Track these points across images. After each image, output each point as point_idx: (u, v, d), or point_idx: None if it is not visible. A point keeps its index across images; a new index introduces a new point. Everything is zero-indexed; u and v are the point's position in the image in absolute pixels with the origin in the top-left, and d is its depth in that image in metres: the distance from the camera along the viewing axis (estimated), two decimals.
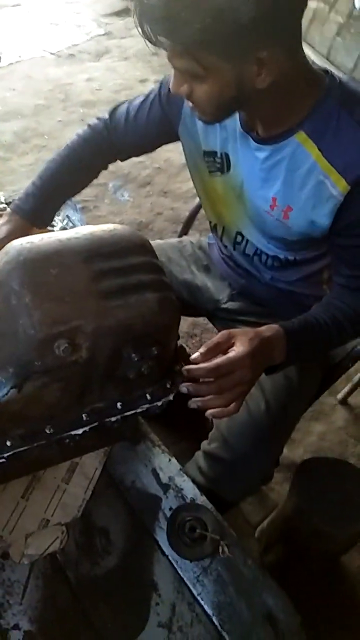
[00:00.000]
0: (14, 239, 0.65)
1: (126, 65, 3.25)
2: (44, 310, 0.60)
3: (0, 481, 0.85)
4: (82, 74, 3.15)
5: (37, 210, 1.09)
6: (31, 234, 0.67)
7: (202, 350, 0.76)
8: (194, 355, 0.76)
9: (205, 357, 0.76)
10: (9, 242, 0.65)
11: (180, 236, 1.40)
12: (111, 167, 2.67)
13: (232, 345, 0.78)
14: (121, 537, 0.85)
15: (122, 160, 1.19)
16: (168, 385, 0.74)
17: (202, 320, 1.87)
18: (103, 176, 2.66)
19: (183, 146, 1.06)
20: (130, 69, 3.22)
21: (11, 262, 0.62)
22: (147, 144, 1.14)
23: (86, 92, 3.02)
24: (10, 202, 1.32)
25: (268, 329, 0.84)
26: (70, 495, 0.87)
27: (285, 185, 0.89)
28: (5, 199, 1.32)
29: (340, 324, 0.92)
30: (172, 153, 2.67)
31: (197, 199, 1.42)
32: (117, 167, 2.64)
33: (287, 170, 0.88)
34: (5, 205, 1.33)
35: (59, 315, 0.60)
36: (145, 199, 2.43)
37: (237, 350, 0.76)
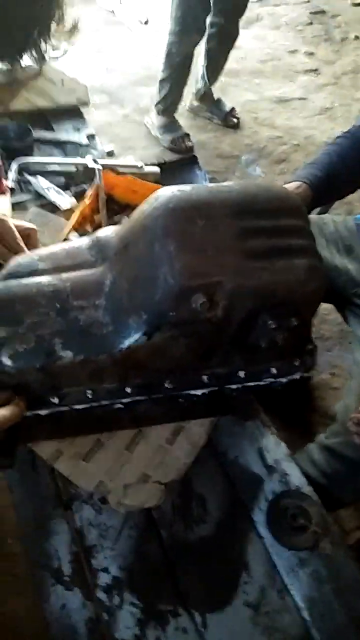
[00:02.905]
0: None
1: (276, 35, 3.13)
2: (186, 260, 0.57)
3: (107, 429, 0.86)
4: None
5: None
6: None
7: None
8: None
9: None
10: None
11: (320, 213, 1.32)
12: (247, 139, 2.59)
13: None
14: (218, 509, 0.83)
15: None
16: (296, 364, 0.70)
17: (323, 310, 1.77)
18: (237, 148, 2.59)
19: None
20: (280, 39, 3.09)
21: (160, 208, 0.60)
22: None
23: (230, 59, 2.96)
24: (143, 165, 1.32)
25: None
26: (173, 457, 0.87)
27: None
28: (139, 164, 1.32)
29: None
30: (315, 131, 2.54)
31: None
32: (253, 140, 2.58)
33: None
34: (142, 165, 1.34)
35: (201, 268, 0.58)
36: (278, 177, 2.34)
37: None
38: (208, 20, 2.24)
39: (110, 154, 2.38)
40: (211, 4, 2.16)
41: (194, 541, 0.80)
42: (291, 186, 0.95)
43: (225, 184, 0.64)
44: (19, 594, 1.22)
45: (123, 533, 0.80)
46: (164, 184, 1.70)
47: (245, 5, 2.28)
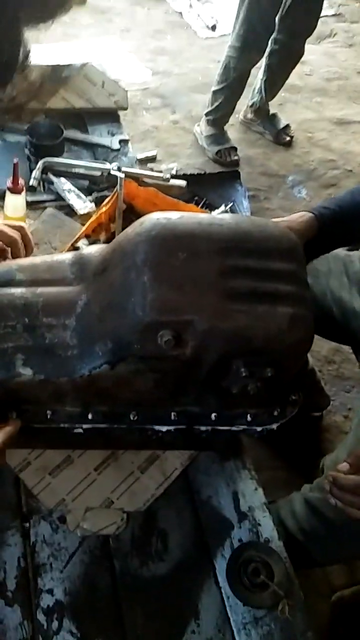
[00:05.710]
0: None
1: (348, 53, 3.01)
2: (159, 294, 0.54)
3: (79, 446, 0.83)
4: None
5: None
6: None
7: (350, 460, 0.68)
8: (341, 465, 0.68)
9: (354, 468, 0.67)
10: None
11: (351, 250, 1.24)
12: (296, 159, 2.49)
13: None
14: (179, 549, 0.78)
15: None
16: (275, 413, 0.65)
17: (347, 347, 1.69)
18: (285, 167, 2.49)
19: None
20: (352, 58, 2.98)
21: (142, 235, 0.57)
22: None
23: (293, 74, 2.89)
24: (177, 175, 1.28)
25: None
26: (142, 486, 0.83)
27: None
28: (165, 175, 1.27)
29: None
30: None
31: None
32: (304, 160, 2.51)
33: None
34: (168, 177, 1.29)
35: (173, 303, 0.54)
36: None
37: None
38: (272, 36, 2.18)
39: (152, 159, 2.36)
40: (276, 23, 2.11)
41: (147, 578, 0.76)
42: (295, 216, 0.89)
43: (219, 216, 0.60)
44: None
45: (75, 557, 0.77)
46: (199, 196, 1.65)
47: (315, 26, 2.21)
